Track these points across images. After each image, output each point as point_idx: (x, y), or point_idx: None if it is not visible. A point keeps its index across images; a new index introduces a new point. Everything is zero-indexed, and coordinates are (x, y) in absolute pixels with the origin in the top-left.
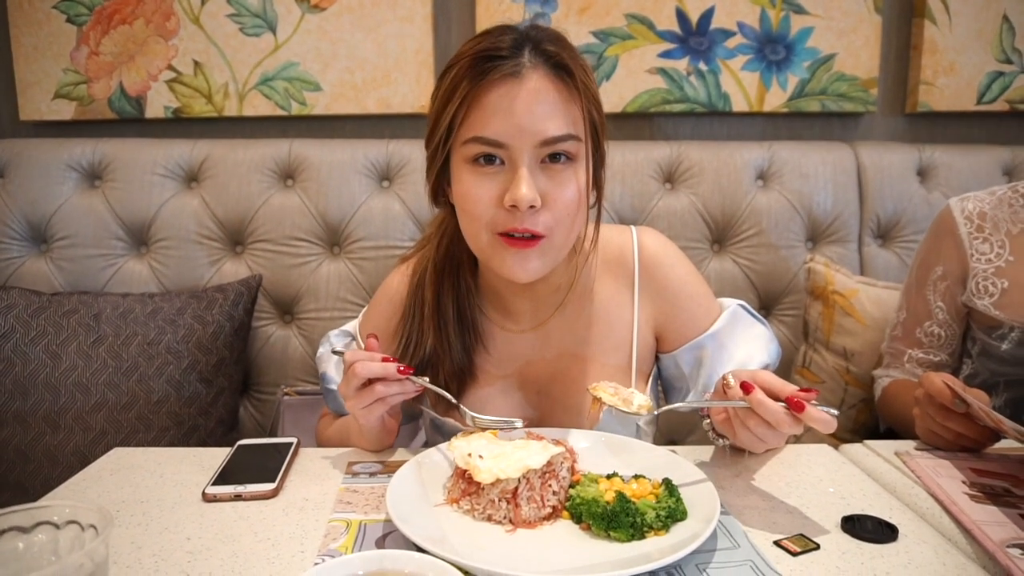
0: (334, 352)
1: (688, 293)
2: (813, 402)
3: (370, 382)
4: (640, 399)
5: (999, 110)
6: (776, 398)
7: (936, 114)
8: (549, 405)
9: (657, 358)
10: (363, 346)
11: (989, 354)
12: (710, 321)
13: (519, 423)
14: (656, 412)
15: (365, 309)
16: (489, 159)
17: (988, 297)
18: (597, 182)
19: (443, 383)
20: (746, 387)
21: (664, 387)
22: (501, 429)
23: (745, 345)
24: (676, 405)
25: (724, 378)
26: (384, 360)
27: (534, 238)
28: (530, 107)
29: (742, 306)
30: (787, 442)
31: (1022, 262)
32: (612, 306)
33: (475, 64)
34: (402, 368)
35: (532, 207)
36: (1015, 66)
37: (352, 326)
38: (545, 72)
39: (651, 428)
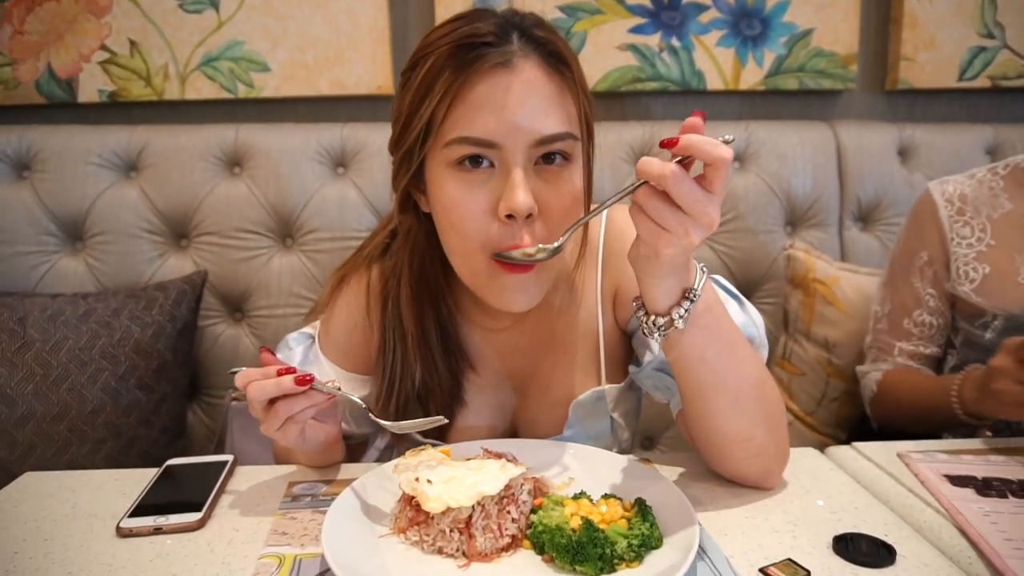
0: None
1: None
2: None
3: (272, 402)
4: None
5: (981, 87)
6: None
7: (917, 91)
8: (524, 402)
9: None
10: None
11: (973, 344)
12: None
13: (441, 419)
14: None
15: (322, 321)
16: (476, 161)
17: (969, 283)
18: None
19: (435, 413)
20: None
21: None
22: (424, 428)
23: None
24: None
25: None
26: (281, 372)
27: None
28: (523, 101)
29: (713, 277)
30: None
31: (1004, 247)
32: (581, 291)
33: (457, 53)
34: (302, 377)
35: (529, 216)
36: (997, 41)
37: (313, 328)
38: (538, 62)
39: (626, 421)
